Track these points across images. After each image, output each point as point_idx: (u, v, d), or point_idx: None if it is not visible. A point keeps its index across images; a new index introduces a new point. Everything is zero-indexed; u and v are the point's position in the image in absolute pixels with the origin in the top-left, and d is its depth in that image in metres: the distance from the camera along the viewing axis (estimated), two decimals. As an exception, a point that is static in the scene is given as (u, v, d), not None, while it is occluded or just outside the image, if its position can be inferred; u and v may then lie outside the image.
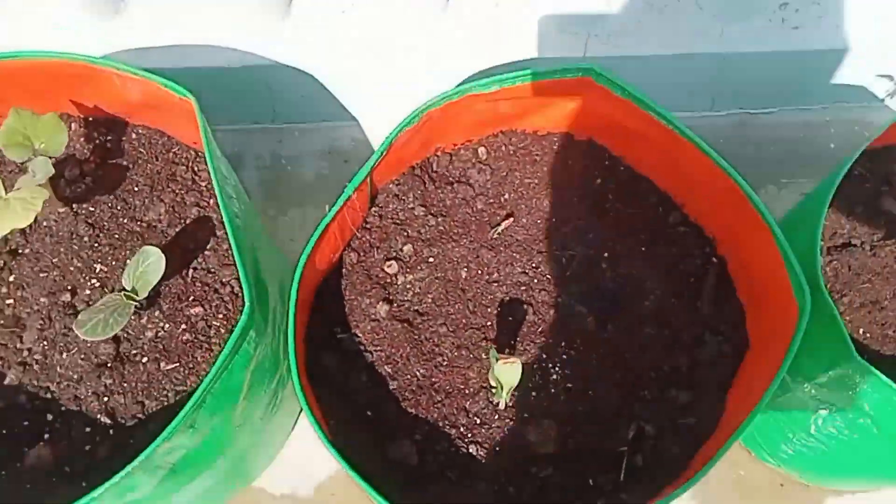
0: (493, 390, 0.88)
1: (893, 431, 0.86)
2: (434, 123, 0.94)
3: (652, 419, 0.89)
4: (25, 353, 0.88)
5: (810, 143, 1.45)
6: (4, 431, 0.85)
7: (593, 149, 1.05)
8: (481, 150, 1.04)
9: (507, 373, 0.80)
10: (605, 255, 0.98)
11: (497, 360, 0.80)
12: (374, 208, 0.98)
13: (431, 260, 0.97)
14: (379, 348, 0.91)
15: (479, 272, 0.96)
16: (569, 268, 0.97)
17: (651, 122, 0.91)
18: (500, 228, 0.99)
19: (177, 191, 0.96)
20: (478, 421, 0.88)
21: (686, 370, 0.92)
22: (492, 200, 1.01)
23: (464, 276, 0.96)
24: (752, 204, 0.86)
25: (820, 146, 1.44)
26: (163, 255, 0.84)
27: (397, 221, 0.98)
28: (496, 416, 0.89)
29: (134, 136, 0.99)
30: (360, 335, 0.91)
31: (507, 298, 0.95)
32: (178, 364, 0.88)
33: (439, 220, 0.99)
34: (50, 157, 0.87)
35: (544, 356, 0.92)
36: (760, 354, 0.89)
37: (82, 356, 0.87)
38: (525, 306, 0.95)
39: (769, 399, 0.76)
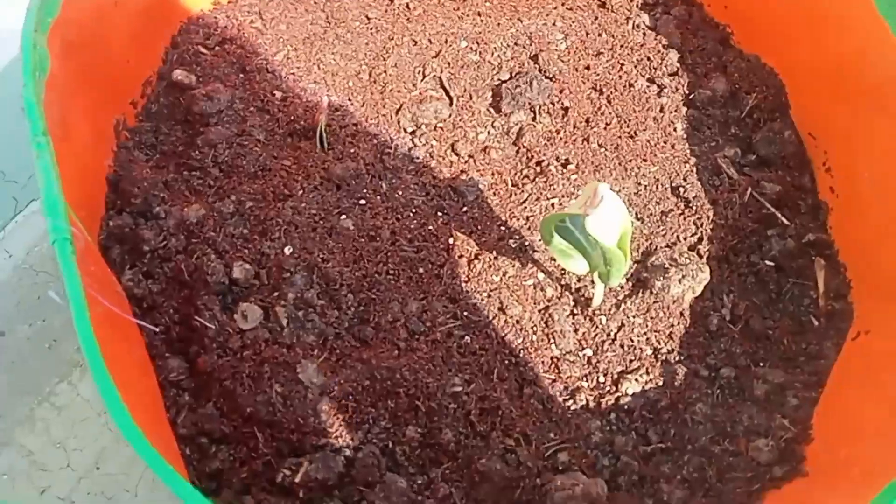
0: (577, 275, 0.48)
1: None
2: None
3: (729, 142, 0.56)
4: None
5: None
6: None
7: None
8: (178, 73, 0.57)
9: (602, 217, 0.40)
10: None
11: (560, 223, 0.39)
12: (127, 264, 0.47)
13: (289, 251, 0.50)
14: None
15: (362, 201, 0.52)
16: (455, 92, 0.57)
17: None
18: (321, 126, 0.55)
19: None
20: (591, 349, 0.48)
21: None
22: (269, 109, 0.56)
23: (352, 226, 0.51)
24: None
25: None
26: None
27: (181, 247, 0.49)
28: (606, 319, 0.49)
29: None
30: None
31: (431, 193, 0.53)
32: None
33: (235, 195, 0.52)
34: None
35: (517, 199, 0.52)
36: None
37: None
38: (463, 176, 0.54)
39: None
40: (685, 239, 0.53)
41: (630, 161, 0.56)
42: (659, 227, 0.54)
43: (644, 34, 0.64)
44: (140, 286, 0.48)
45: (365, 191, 0.55)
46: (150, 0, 0.57)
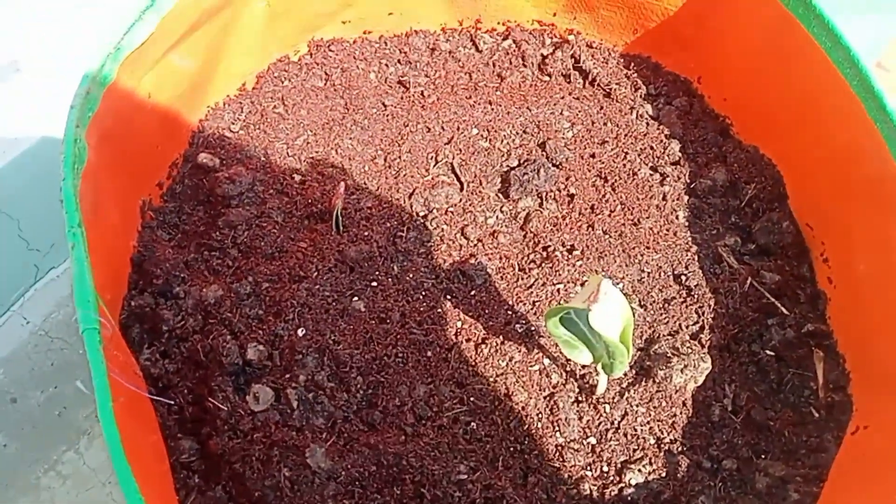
0: (582, 365, 0.49)
1: None
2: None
3: (729, 230, 0.58)
4: None
5: None
6: None
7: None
8: (203, 156, 0.60)
9: (603, 312, 0.41)
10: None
11: (565, 316, 0.41)
12: (146, 344, 0.49)
13: (301, 333, 0.52)
14: None
15: (373, 283, 0.54)
16: (466, 178, 0.60)
17: None
18: (337, 210, 0.58)
19: None
20: (595, 438, 0.49)
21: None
22: (288, 192, 0.59)
23: (363, 308, 0.53)
24: None
25: None
26: None
27: (198, 328, 0.51)
28: (609, 408, 0.50)
29: None
30: None
31: (441, 277, 0.55)
32: None
33: (252, 277, 0.54)
34: None
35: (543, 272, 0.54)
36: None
37: None
38: (472, 260, 0.56)
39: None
40: (687, 327, 0.54)
41: (633, 248, 0.58)
42: (662, 314, 0.55)
43: (647, 124, 0.67)
44: (157, 366, 0.50)
45: (377, 273, 0.57)
46: (180, 89, 0.60)
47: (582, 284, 0.56)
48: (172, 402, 0.49)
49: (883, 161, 0.51)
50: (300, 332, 0.52)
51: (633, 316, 0.53)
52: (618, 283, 0.56)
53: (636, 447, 0.49)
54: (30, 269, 0.81)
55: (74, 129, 0.46)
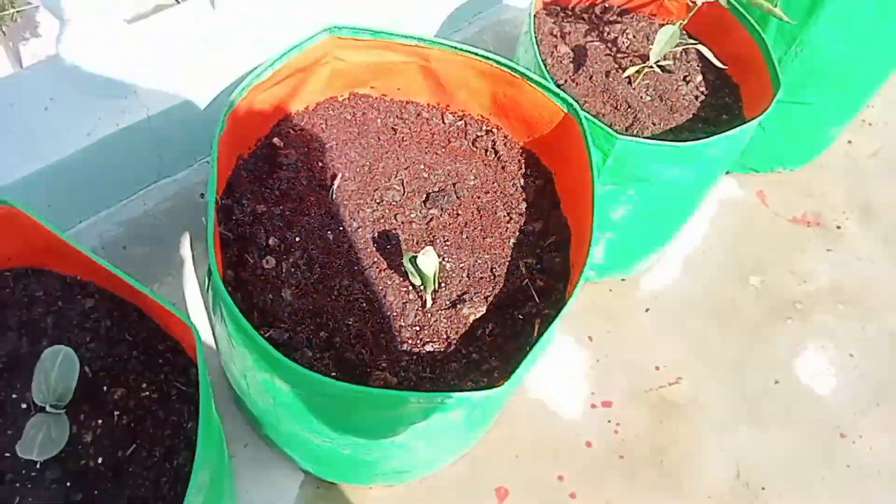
0: (421, 287, 1.01)
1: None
2: (236, 122, 1.01)
3: (530, 256, 1.10)
4: None
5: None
6: None
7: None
8: (276, 139, 1.13)
9: (426, 261, 0.93)
10: (425, 167, 1.16)
11: (413, 258, 0.93)
12: (224, 222, 1.02)
13: (298, 240, 1.04)
14: (293, 309, 0.97)
15: (340, 227, 1.07)
16: (407, 190, 1.13)
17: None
18: (334, 187, 1.11)
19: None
20: (418, 327, 1.00)
21: (537, 231, 1.14)
22: (312, 171, 1.12)
23: (332, 238, 1.06)
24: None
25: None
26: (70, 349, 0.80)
27: (249, 222, 1.04)
28: (430, 315, 1.01)
29: None
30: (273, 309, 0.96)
31: (376, 233, 1.08)
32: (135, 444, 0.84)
33: (282, 207, 1.07)
34: None
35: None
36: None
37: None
38: (394, 230, 1.08)
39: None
40: (484, 293, 1.06)
41: (477, 249, 1.09)
42: (475, 283, 1.06)
43: (516, 189, 1.18)
44: (226, 234, 1.03)
45: (343, 223, 1.09)
46: (270, 104, 1.14)
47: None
48: (229, 252, 1.02)
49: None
50: (297, 239, 1.05)
51: (458, 279, 1.05)
52: (459, 262, 1.08)
53: (436, 336, 1.00)
54: (154, 173, 1.35)
55: (217, 139, 0.99)
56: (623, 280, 1.64)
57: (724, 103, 1.43)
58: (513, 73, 1.14)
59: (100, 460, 0.83)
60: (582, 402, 1.45)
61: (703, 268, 1.70)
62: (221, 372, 1.23)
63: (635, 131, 1.34)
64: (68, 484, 0.81)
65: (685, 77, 1.45)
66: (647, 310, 1.61)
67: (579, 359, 1.51)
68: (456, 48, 1.14)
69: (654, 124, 1.36)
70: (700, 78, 1.45)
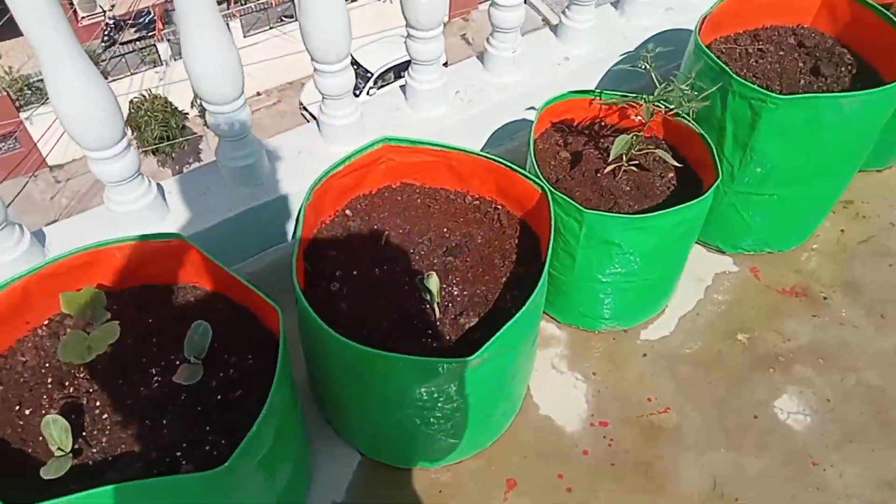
0: (430, 300, 1.48)
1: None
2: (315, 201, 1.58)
3: (515, 289, 1.55)
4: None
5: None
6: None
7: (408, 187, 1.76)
8: (347, 211, 1.69)
9: (430, 281, 1.42)
10: (449, 233, 1.67)
11: (422, 279, 1.42)
12: (307, 260, 1.56)
13: (354, 273, 1.56)
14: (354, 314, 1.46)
15: (384, 267, 1.58)
16: (433, 245, 1.64)
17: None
18: (382, 241, 1.63)
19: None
20: (430, 330, 1.47)
21: (521, 273, 1.61)
22: (370, 231, 1.66)
23: (377, 273, 1.57)
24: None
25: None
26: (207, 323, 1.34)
27: (323, 262, 1.57)
28: (439, 323, 1.48)
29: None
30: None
31: (409, 272, 1.58)
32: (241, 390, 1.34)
33: (346, 253, 1.60)
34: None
35: (444, 284, 1.54)
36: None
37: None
38: (421, 270, 1.58)
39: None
40: (479, 310, 1.50)
41: (477, 283, 1.56)
42: (470, 303, 1.52)
43: (511, 243, 1.65)
44: (308, 270, 1.56)
45: (390, 263, 1.59)
46: (343, 191, 1.70)
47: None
48: (308, 278, 1.54)
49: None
50: (353, 273, 1.56)
51: (462, 301, 1.51)
52: (464, 291, 1.54)
53: (442, 337, 1.46)
54: (266, 242, 1.94)
55: (303, 209, 1.56)
56: (625, 331, 2.01)
57: (689, 193, 1.86)
58: (507, 168, 1.65)
59: (218, 397, 1.33)
60: (582, 421, 1.81)
61: (695, 325, 2.05)
62: (303, 381, 1.72)
63: (613, 212, 1.79)
64: (198, 408, 1.31)
65: (660, 173, 1.90)
66: (644, 355, 1.96)
67: (583, 388, 1.88)
68: (469, 152, 1.67)
69: (629, 206, 1.80)
70: (672, 174, 1.90)
